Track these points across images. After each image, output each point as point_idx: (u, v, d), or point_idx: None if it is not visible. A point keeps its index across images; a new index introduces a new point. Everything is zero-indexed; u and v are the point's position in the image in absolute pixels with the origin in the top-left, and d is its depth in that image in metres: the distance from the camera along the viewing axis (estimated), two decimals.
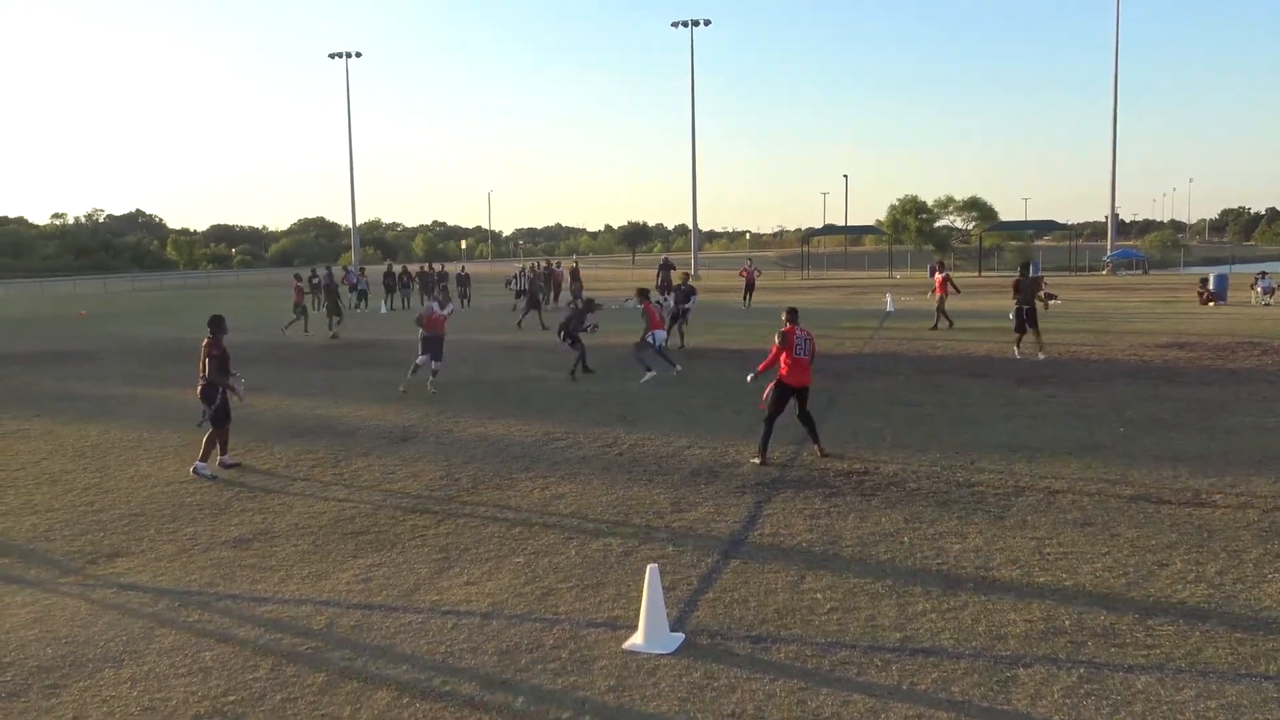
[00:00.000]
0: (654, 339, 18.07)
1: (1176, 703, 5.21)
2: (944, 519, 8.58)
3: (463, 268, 45.88)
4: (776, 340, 11.02)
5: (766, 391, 11.01)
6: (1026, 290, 19.53)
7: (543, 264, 42.76)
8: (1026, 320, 19.47)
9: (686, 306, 23.04)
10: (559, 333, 18.48)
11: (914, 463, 10.69)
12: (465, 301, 40.02)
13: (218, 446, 11.10)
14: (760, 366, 11.37)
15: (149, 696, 5.56)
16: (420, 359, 16.46)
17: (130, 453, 12.25)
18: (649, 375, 17.49)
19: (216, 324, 11.08)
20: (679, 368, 18.26)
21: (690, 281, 25.37)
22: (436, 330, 16.42)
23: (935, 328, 25.86)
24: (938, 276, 27.29)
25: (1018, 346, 19.62)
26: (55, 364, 22.78)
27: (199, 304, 49.19)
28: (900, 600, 6.71)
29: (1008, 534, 8.11)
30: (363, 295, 41.69)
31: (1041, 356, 18.92)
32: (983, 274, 67.53)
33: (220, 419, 10.95)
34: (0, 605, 7.06)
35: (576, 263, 41.31)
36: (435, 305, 16.70)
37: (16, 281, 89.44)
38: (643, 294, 18.85)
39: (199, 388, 11.07)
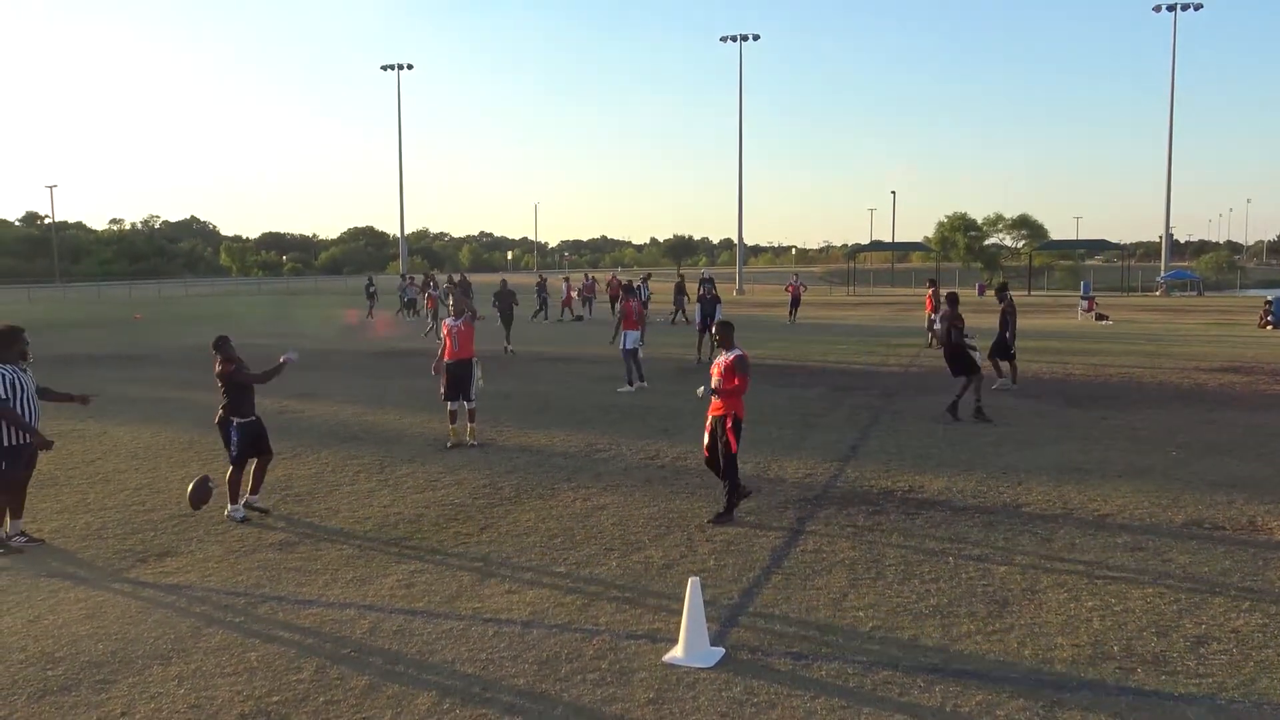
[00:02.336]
0: (626, 340, 18.17)
1: None
2: (990, 540, 8.46)
3: (542, 277, 45.99)
4: (742, 368, 9.03)
5: (731, 433, 9.05)
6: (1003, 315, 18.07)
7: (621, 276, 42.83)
8: (1000, 346, 17.93)
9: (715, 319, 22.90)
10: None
11: (960, 482, 10.56)
12: (543, 315, 39.80)
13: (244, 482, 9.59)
14: (730, 392, 9.08)
15: (195, 694, 5.65)
16: (452, 405, 12.83)
17: (181, 455, 12.47)
18: (625, 388, 17.65)
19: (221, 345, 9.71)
20: (638, 386, 17.93)
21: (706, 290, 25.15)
22: (459, 353, 12.68)
23: (930, 345, 25.83)
24: (928, 293, 27.31)
25: (999, 374, 18.00)
26: (111, 367, 23.28)
27: (251, 309, 50.03)
28: (944, 621, 6.63)
29: (1055, 556, 7.98)
30: (411, 304, 42.15)
31: (994, 385, 17.48)
32: (1032, 292, 66.68)
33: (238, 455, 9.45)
34: (54, 601, 7.22)
35: (682, 276, 41.47)
36: (449, 320, 12.91)
37: (75, 285, 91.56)
38: (629, 291, 19.13)
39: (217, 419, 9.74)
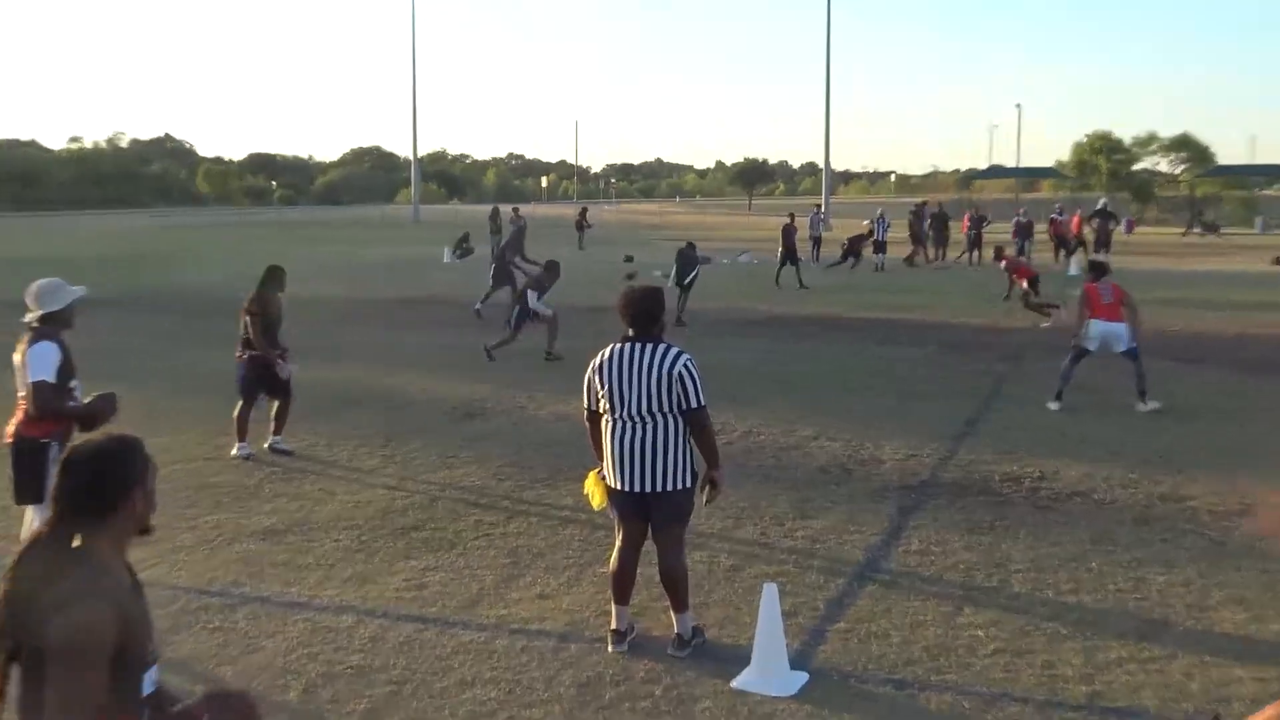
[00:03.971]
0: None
1: None
2: (1144, 542, 8.26)
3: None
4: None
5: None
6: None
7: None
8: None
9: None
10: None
11: (1104, 468, 10.34)
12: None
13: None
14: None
15: None
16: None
17: (148, 423, 12.52)
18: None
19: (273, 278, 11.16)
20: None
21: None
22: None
23: (1009, 298, 25.28)
24: (1074, 218, 27.74)
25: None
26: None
27: (235, 246, 50.64)
28: (1087, 644, 6.47)
29: (1229, 564, 7.77)
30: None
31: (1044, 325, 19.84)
32: (1188, 234, 65.31)
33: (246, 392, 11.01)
34: None
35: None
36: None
37: (24, 215, 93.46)
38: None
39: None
